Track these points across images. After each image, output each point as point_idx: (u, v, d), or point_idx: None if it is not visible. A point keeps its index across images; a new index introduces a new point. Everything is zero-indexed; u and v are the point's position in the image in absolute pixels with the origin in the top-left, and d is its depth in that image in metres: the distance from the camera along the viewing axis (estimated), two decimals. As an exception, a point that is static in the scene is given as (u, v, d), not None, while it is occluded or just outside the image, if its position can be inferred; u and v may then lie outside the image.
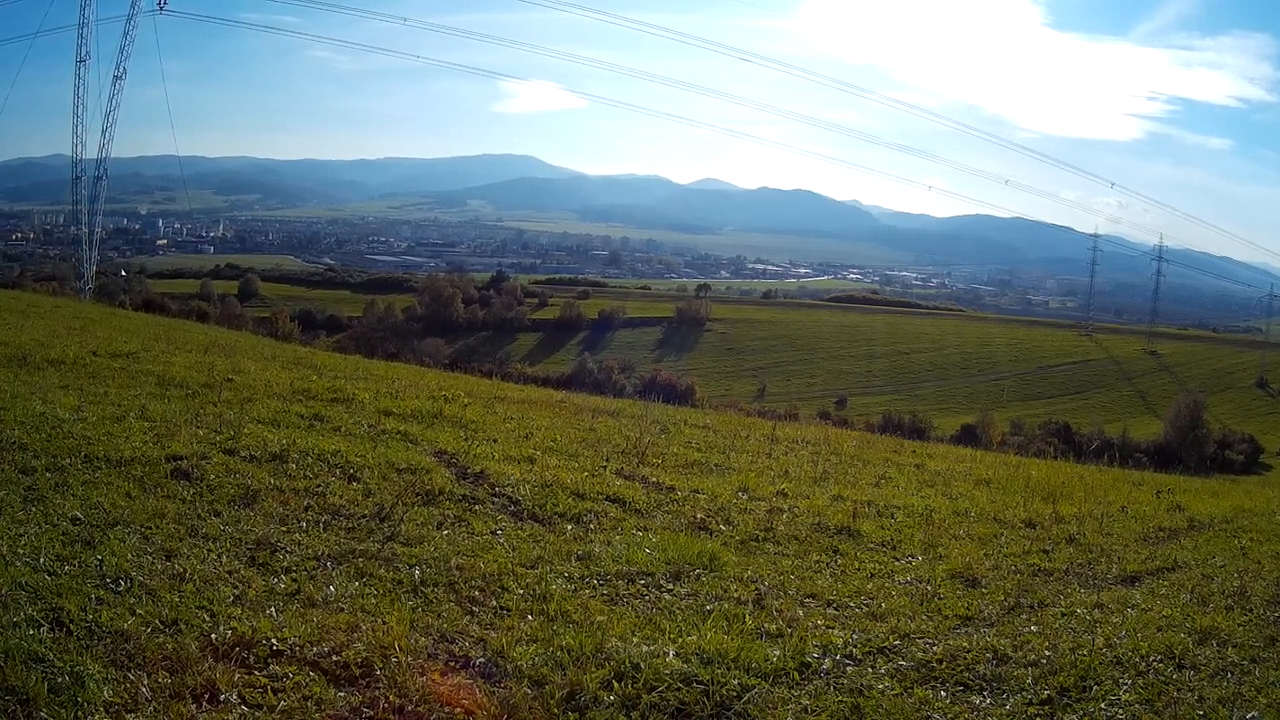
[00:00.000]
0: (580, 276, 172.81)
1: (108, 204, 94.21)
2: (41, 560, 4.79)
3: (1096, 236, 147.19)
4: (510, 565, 5.87)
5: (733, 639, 5.00)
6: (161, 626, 4.36)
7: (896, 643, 5.25)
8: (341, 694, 4.11)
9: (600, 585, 5.79)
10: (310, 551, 5.64)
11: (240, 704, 3.90)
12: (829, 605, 5.88)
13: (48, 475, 6.26)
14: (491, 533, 6.56)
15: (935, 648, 5.19)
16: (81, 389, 9.68)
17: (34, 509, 5.56)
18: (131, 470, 6.63)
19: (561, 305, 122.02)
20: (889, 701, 4.51)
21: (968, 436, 51.28)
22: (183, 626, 4.39)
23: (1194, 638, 5.45)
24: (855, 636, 5.28)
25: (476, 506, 7.12)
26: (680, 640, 4.94)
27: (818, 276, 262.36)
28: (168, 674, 3.99)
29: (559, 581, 5.72)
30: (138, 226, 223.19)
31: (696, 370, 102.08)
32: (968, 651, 5.12)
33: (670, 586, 5.91)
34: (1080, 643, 5.31)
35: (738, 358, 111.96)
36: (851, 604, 5.94)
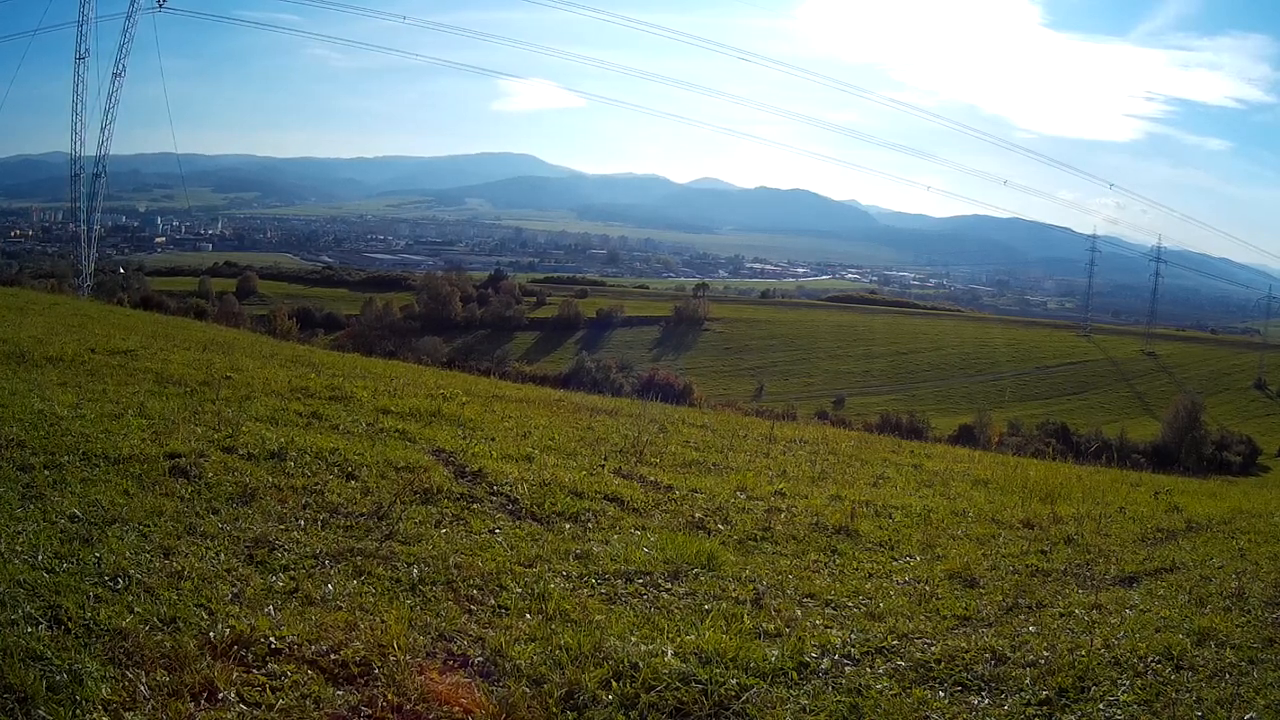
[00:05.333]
0: (578, 275, 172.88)
1: (106, 201, 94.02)
2: (40, 558, 4.78)
3: (1095, 237, 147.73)
4: (508, 564, 5.87)
5: (731, 638, 5.00)
6: (160, 624, 4.35)
7: (895, 643, 5.25)
8: (340, 692, 4.11)
9: (598, 584, 5.79)
10: (308, 549, 5.63)
11: (238, 702, 3.89)
12: (827, 605, 5.88)
13: (46, 472, 6.24)
14: (490, 531, 6.56)
15: (933, 648, 5.19)
16: (80, 386, 9.66)
17: (32, 506, 5.55)
18: (130, 468, 6.62)
19: (559, 304, 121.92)
20: (887, 701, 4.51)
21: (966, 437, 51.31)
22: (181, 624, 4.38)
23: (1192, 639, 5.45)
24: (853, 636, 5.28)
25: (474, 505, 7.12)
26: (679, 639, 4.94)
27: (816, 276, 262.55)
28: (166, 672, 3.99)
29: (557, 580, 5.72)
30: (136, 224, 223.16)
31: (694, 369, 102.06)
32: (966, 652, 5.12)
33: (668, 586, 5.91)
34: (1078, 643, 5.31)
35: (736, 357, 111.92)
36: (849, 604, 5.94)
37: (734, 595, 5.85)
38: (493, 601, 5.30)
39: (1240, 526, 9.15)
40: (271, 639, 4.38)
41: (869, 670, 4.87)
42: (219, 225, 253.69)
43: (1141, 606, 6.13)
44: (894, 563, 7.07)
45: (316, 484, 6.94)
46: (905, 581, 6.56)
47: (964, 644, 5.24)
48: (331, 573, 5.34)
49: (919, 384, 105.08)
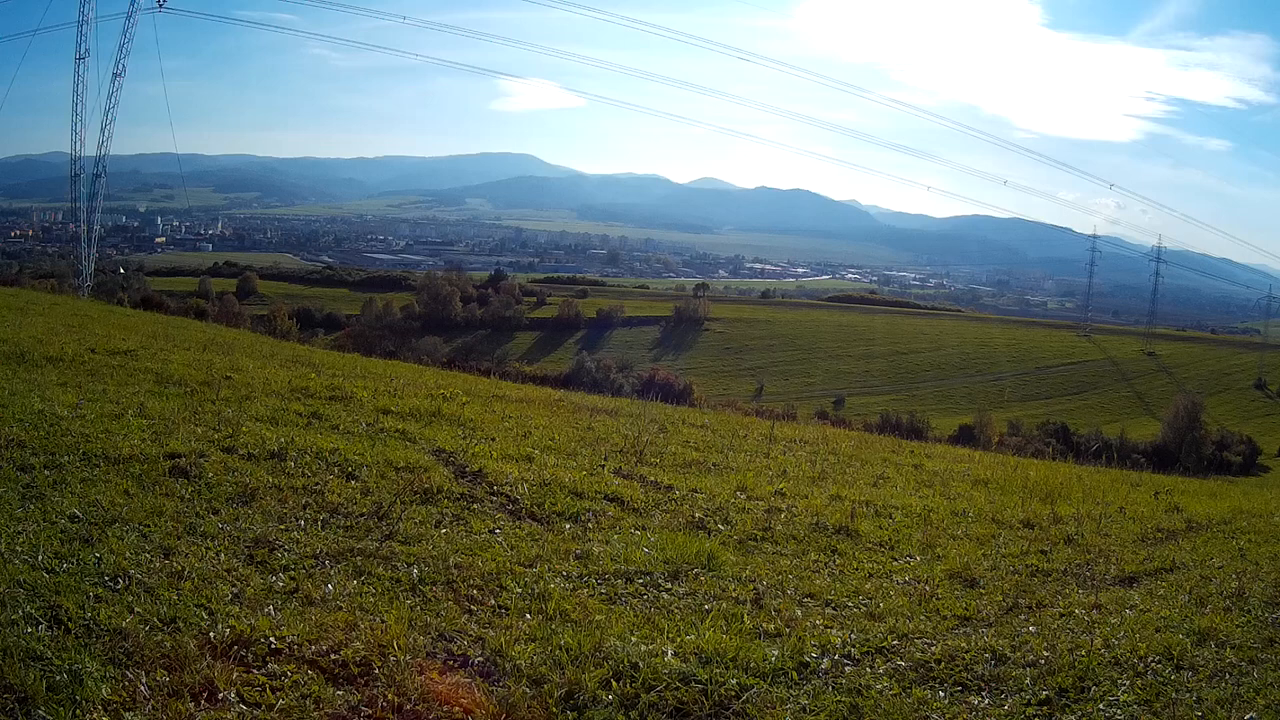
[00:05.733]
0: (578, 275, 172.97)
1: (106, 201, 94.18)
2: (40, 558, 4.78)
3: (1095, 237, 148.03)
4: (508, 564, 5.87)
5: (731, 638, 5.01)
6: (160, 624, 4.35)
7: (895, 643, 5.26)
8: (340, 692, 4.11)
9: (598, 584, 5.79)
10: (308, 550, 5.63)
11: (239, 702, 3.90)
12: (827, 605, 5.89)
13: (46, 472, 6.25)
14: (490, 531, 6.56)
15: (933, 648, 5.19)
16: (80, 386, 9.66)
17: (32, 506, 5.55)
18: (130, 468, 6.62)
19: (560, 304, 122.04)
20: (887, 701, 4.51)
21: (966, 437, 51.34)
22: (181, 624, 4.38)
23: (1192, 639, 5.45)
24: (853, 636, 5.28)
25: (475, 505, 7.11)
26: (679, 639, 4.94)
27: (816, 276, 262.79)
28: (166, 672, 3.99)
29: (557, 580, 5.72)
30: (136, 224, 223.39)
31: (694, 369, 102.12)
32: (966, 652, 5.12)
33: (668, 586, 5.91)
34: (1078, 643, 5.31)
35: (736, 357, 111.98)
36: (849, 604, 5.94)
37: (734, 595, 5.85)
38: (493, 601, 5.30)
39: (1240, 526, 9.14)
40: (271, 639, 4.38)
41: (869, 670, 4.87)
42: (219, 225, 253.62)
43: (1141, 606, 6.13)
44: (894, 563, 7.07)
45: (316, 484, 6.94)
46: (905, 581, 6.56)
47: (964, 644, 5.24)
48: (331, 573, 5.34)
49: (919, 384, 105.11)
